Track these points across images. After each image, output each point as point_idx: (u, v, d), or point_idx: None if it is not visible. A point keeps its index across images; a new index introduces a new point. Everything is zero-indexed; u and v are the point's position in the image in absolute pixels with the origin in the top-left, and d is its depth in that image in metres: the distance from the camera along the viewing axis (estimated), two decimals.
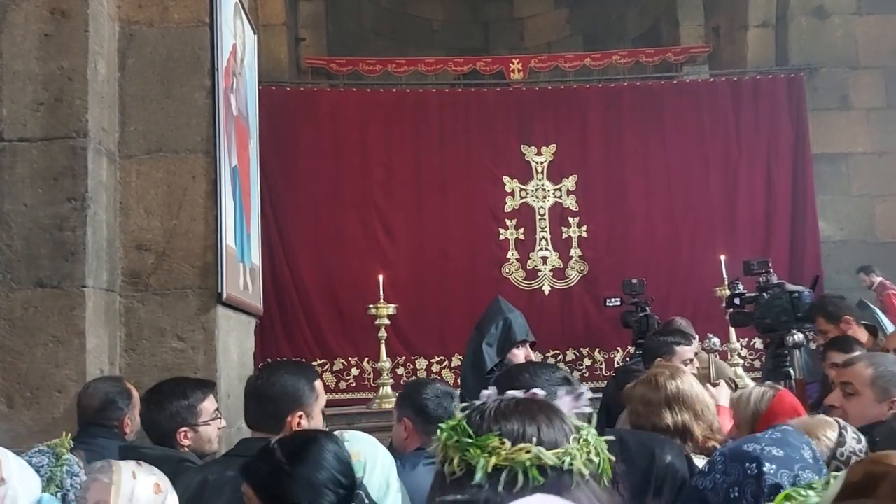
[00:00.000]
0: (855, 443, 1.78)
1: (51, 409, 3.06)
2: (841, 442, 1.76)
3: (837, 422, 1.85)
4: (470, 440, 0.85)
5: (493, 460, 0.84)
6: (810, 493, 1.01)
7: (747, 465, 1.45)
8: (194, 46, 3.63)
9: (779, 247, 7.33)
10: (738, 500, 1.43)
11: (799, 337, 3.84)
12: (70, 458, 1.87)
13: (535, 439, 0.87)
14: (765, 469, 1.44)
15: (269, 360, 5.85)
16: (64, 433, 2.00)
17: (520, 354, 3.58)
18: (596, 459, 0.87)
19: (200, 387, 2.48)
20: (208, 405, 2.42)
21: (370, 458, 1.76)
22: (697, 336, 4.45)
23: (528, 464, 0.83)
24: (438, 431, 0.89)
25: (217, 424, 2.45)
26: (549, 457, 0.84)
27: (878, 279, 7.09)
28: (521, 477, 0.82)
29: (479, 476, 0.82)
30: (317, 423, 2.11)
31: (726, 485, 1.44)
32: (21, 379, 3.08)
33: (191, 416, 2.37)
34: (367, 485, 1.71)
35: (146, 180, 3.55)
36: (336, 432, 1.84)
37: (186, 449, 2.35)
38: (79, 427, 2.72)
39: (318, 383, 2.16)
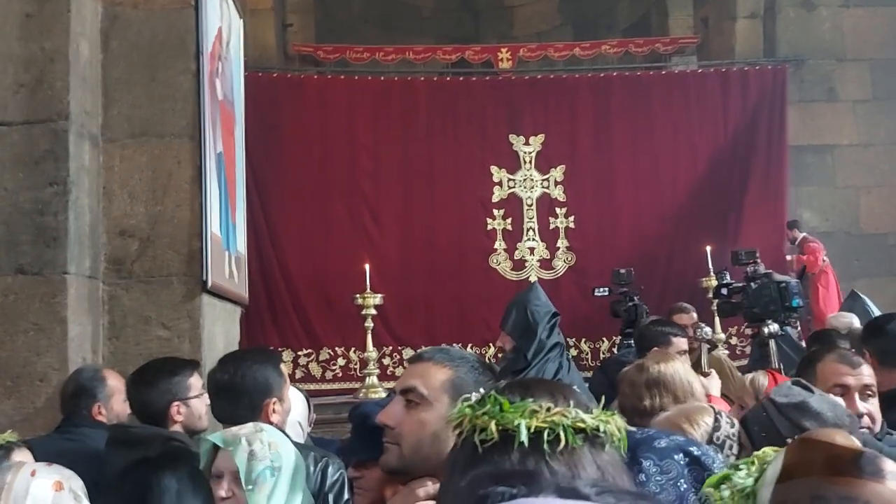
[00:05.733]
0: (729, 427, 1.90)
1: (32, 398, 3.00)
2: (717, 427, 1.88)
3: (713, 407, 1.97)
4: (506, 408, 0.84)
5: (534, 422, 0.82)
6: (741, 473, 1.05)
7: (676, 457, 1.51)
8: (179, 29, 3.56)
9: (763, 236, 7.35)
10: (688, 490, 1.47)
11: (774, 327, 3.87)
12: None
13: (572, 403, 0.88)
14: (694, 452, 1.52)
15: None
16: (10, 431, 1.99)
17: None
18: (619, 433, 0.87)
19: (187, 364, 2.54)
20: (195, 381, 2.46)
21: (285, 453, 1.78)
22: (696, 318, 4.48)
23: (568, 424, 0.83)
24: (460, 406, 0.88)
25: (205, 400, 2.47)
26: (588, 419, 0.84)
27: (802, 235, 7.32)
28: (563, 437, 0.82)
29: (523, 436, 0.81)
30: (288, 404, 2.14)
31: (672, 481, 1.48)
32: (1, 367, 3.02)
33: (182, 391, 2.39)
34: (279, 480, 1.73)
35: (130, 165, 3.48)
36: (252, 424, 1.85)
37: (178, 426, 2.37)
38: (62, 416, 2.69)
39: (282, 366, 2.19)
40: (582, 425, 0.83)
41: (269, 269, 7.02)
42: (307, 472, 1.92)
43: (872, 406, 2.12)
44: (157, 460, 1.76)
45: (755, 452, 1.08)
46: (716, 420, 1.89)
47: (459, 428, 0.86)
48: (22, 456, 1.85)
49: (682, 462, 1.49)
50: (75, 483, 1.57)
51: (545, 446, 0.80)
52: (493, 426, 0.83)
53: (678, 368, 2.23)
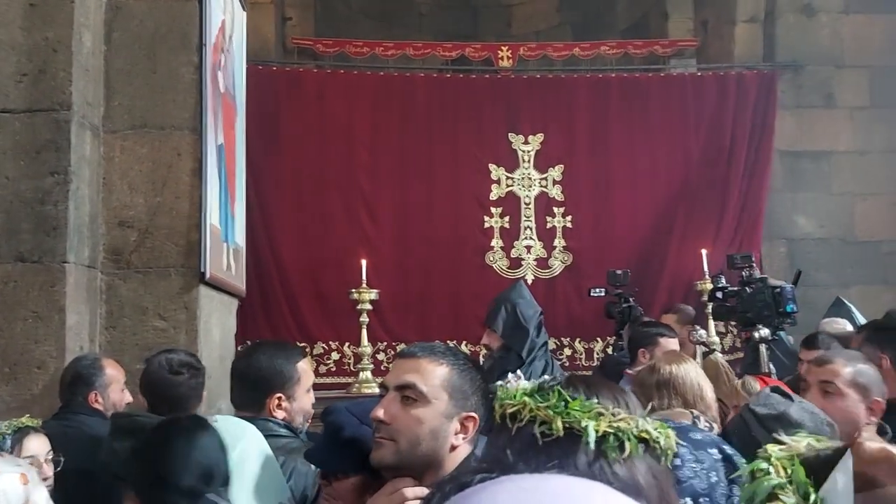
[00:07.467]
0: (706, 431, 1.92)
1: (29, 385, 3.02)
2: None
3: (691, 412, 2.00)
4: (573, 406, 0.84)
5: (602, 425, 0.82)
6: (769, 477, 1.06)
7: (710, 451, 1.58)
8: (182, 21, 3.57)
9: (749, 242, 7.38)
10: (718, 483, 1.55)
11: (765, 332, 3.89)
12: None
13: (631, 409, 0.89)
14: (727, 450, 1.59)
15: (248, 341, 5.82)
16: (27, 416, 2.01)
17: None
18: (674, 448, 0.88)
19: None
20: None
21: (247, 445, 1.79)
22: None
23: (634, 433, 0.83)
24: (514, 391, 0.88)
25: None
26: (652, 431, 0.85)
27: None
28: (627, 444, 0.82)
29: (591, 438, 0.81)
30: (300, 404, 2.09)
31: (705, 471, 1.55)
32: None
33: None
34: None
35: (130, 156, 3.49)
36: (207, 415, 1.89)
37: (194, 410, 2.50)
38: (61, 403, 2.71)
39: (301, 364, 2.14)
40: (646, 436, 0.83)
41: (263, 263, 7.01)
42: (306, 471, 1.92)
43: (830, 404, 2.11)
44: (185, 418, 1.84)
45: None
46: (693, 424, 1.92)
47: (520, 416, 0.86)
48: (37, 442, 1.86)
49: (715, 457, 1.55)
50: (32, 474, 1.59)
51: (609, 451, 0.81)
52: (559, 422, 0.82)
53: (689, 371, 2.22)
